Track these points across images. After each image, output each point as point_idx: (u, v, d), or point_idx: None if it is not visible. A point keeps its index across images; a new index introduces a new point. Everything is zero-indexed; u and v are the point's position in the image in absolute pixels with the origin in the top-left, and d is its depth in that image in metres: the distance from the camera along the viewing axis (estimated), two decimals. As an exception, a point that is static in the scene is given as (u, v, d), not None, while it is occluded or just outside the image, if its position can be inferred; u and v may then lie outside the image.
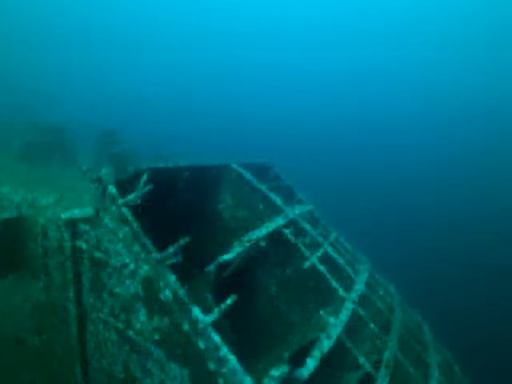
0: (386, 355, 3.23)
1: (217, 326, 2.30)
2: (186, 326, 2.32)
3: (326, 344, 2.76)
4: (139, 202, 2.99)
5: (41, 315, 3.37)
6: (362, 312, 3.48)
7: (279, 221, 3.98)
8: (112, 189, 2.84)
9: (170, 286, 2.42)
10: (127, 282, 2.67)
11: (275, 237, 3.79)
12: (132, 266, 2.64)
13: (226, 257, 3.12)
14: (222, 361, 2.12)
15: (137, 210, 2.85)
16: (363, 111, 41.00)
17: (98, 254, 2.83)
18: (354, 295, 3.60)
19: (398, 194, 27.97)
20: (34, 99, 12.59)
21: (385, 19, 47.62)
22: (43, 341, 3.36)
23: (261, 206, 4.45)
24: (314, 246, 4.03)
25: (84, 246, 2.90)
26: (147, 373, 2.58)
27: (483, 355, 10.84)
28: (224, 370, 2.10)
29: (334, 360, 2.80)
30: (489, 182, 29.90)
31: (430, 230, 23.74)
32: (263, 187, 4.49)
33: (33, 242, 3.44)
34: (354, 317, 3.33)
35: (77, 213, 2.88)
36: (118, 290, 2.73)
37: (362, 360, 3.04)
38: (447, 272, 18.44)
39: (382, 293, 4.38)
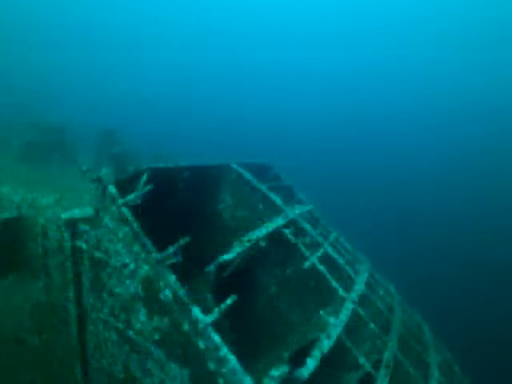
0: (386, 355, 3.23)
1: (217, 326, 2.30)
2: (185, 326, 2.32)
3: (326, 344, 2.76)
4: (139, 202, 2.99)
5: (41, 315, 3.37)
6: (362, 312, 3.48)
7: (279, 221, 3.98)
8: (112, 189, 2.84)
9: (170, 286, 2.42)
10: (127, 282, 2.67)
11: (275, 237, 3.79)
12: (132, 266, 2.64)
13: (226, 257, 3.12)
14: (222, 361, 2.13)
15: (137, 210, 2.85)
16: (363, 111, 41.00)
17: (97, 254, 2.83)
18: (353, 295, 3.60)
19: (398, 194, 27.97)
20: (34, 99, 12.61)
21: (385, 19, 47.62)
22: (43, 341, 3.36)
23: (261, 206, 4.45)
24: (314, 246, 4.03)
25: (84, 245, 2.90)
26: (147, 373, 2.58)
27: (483, 355, 10.85)
28: (224, 370, 2.10)
29: (334, 360, 2.80)
30: (489, 181, 29.90)
31: (430, 229, 23.75)
32: (263, 187, 4.48)
33: (33, 242, 3.44)
34: (354, 317, 3.33)
35: (77, 213, 2.88)
36: (118, 290, 2.73)
37: (361, 360, 3.04)
38: (447, 272, 18.44)
39: (382, 293, 4.38)
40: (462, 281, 17.92)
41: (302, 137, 35.32)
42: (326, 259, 3.91)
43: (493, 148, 33.89)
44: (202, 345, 2.21)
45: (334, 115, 40.23)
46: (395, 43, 47.18)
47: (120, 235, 2.71)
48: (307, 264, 3.67)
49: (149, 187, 3.17)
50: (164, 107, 35.87)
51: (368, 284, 4.15)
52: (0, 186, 3.89)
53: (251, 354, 2.88)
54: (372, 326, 3.47)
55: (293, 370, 2.24)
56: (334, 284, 3.61)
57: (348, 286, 3.78)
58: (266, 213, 4.31)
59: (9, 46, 30.74)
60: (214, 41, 50.43)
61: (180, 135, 25.24)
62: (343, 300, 3.47)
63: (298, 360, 2.50)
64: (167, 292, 2.42)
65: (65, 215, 2.86)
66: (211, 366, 2.15)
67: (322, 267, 3.68)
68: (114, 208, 2.77)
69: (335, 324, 3.04)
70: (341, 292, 3.55)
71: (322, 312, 3.26)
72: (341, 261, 4.07)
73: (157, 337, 2.50)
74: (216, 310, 2.39)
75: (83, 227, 2.90)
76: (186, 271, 2.84)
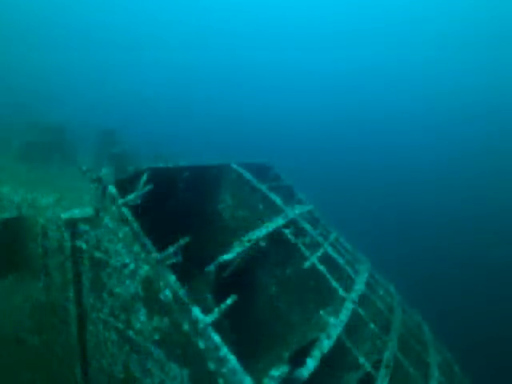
0: (386, 355, 3.23)
1: (217, 326, 2.30)
2: (186, 326, 2.32)
3: (326, 344, 2.76)
4: (139, 201, 2.99)
5: (41, 315, 3.37)
6: (362, 312, 3.48)
7: (279, 221, 3.98)
8: (112, 189, 2.84)
9: (170, 285, 2.42)
10: (127, 282, 2.67)
11: (275, 237, 3.79)
12: (132, 266, 2.64)
13: (226, 257, 3.12)
14: (222, 361, 2.12)
15: (137, 210, 2.85)
16: (363, 111, 41.00)
17: (98, 254, 2.83)
18: (354, 295, 3.60)
19: (398, 194, 27.97)
20: (34, 99, 12.61)
21: (385, 19, 47.62)
22: (43, 341, 3.36)
23: (261, 206, 4.45)
24: (314, 246, 4.03)
25: (84, 245, 2.90)
26: (147, 373, 2.58)
27: (483, 355, 10.85)
28: (224, 370, 2.10)
29: (334, 360, 2.80)
30: (489, 181, 29.90)
31: (430, 229, 23.75)
32: (263, 187, 4.48)
33: (33, 242, 3.44)
34: (354, 317, 3.33)
35: (77, 213, 2.88)
36: (118, 290, 2.73)
37: (362, 360, 3.04)
38: (447, 272, 18.44)
39: (382, 293, 4.37)
40: (462, 281, 17.92)
41: (302, 137, 35.34)
42: (326, 259, 3.91)
43: (493, 148, 33.90)
44: (202, 345, 2.21)
45: (334, 115, 40.25)
46: (395, 43, 47.19)
47: (120, 235, 2.71)
48: (307, 264, 3.67)
49: (149, 187, 3.17)
50: (164, 107, 35.89)
51: (368, 284, 4.15)
52: (0, 185, 3.89)
53: (251, 354, 2.88)
54: (372, 326, 3.47)
55: (293, 370, 2.23)
56: (334, 284, 3.61)
57: (348, 286, 3.78)
58: (266, 213, 4.31)
59: (9, 45, 30.75)
60: (214, 41, 50.48)
61: (180, 135, 25.25)
62: (343, 300, 3.47)
63: (298, 360, 2.49)
64: (167, 292, 2.42)
65: (65, 215, 2.86)
66: (211, 366, 2.15)
67: (321, 267, 3.68)
68: (113, 208, 2.77)
69: (335, 324, 3.04)
70: (341, 292, 3.55)
71: (321, 312, 3.26)
72: (341, 261, 4.07)
73: (157, 337, 2.50)
74: (216, 309, 2.39)
75: (83, 227, 2.90)
76: (186, 271, 2.84)
